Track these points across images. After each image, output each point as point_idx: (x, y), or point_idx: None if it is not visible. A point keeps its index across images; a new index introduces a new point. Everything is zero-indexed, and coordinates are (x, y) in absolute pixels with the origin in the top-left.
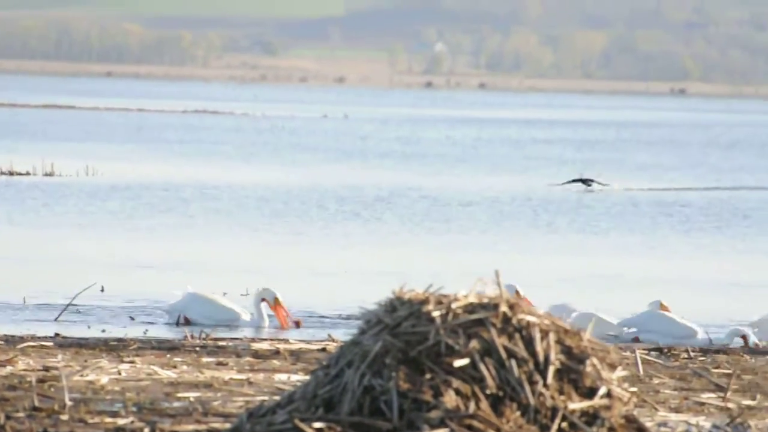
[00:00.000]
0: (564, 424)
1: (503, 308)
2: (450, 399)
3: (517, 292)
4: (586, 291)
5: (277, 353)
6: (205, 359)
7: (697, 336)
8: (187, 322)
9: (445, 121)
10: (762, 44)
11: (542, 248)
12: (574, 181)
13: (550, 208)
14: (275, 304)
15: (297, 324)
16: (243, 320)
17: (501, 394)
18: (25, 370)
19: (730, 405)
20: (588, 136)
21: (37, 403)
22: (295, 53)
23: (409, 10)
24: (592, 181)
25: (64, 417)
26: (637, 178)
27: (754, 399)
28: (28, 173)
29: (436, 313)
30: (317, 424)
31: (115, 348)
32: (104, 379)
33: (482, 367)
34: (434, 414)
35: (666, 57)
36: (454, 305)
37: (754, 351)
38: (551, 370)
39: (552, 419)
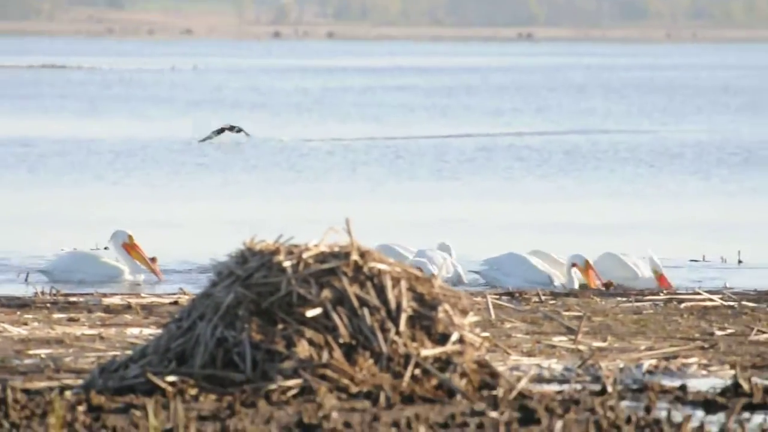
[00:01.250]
0: (417, 371)
1: (354, 257)
2: (303, 349)
3: (586, 262)
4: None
5: (128, 308)
6: (57, 315)
7: (553, 282)
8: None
9: (295, 71)
10: None
11: (398, 195)
12: (218, 132)
13: (405, 156)
14: (130, 243)
15: (153, 260)
16: (125, 276)
17: (354, 342)
18: None
19: (581, 347)
20: (437, 83)
21: None
22: (142, 6)
23: None
24: (237, 129)
25: None
26: (492, 123)
27: (604, 341)
28: None
29: (287, 264)
30: (170, 378)
31: None
32: None
33: (335, 317)
34: (287, 364)
35: (512, 2)
36: (305, 255)
37: (604, 293)
38: (403, 317)
39: (405, 366)
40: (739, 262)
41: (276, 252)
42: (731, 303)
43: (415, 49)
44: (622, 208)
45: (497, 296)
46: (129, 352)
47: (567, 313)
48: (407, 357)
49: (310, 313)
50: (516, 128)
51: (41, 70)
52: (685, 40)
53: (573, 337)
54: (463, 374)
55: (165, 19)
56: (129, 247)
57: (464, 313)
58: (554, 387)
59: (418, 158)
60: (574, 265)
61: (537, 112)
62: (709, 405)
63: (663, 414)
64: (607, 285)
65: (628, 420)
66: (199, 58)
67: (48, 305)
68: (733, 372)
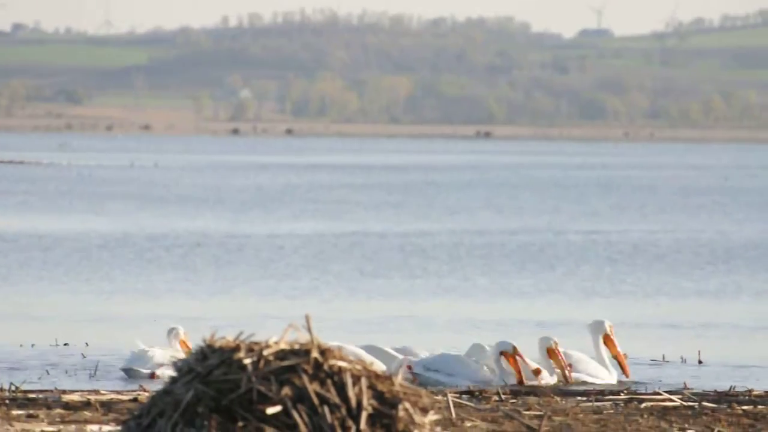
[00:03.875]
0: None
1: (314, 354)
2: None
3: (514, 348)
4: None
5: (88, 404)
6: (15, 412)
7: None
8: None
9: (254, 167)
10: (563, 86)
11: (356, 291)
12: None
13: (366, 253)
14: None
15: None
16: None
17: None
18: None
19: None
20: (395, 180)
21: None
22: (101, 102)
23: (214, 58)
24: None
25: None
26: (451, 221)
27: None
28: None
29: (247, 361)
30: None
31: None
32: None
33: (295, 414)
34: None
35: (471, 100)
36: (265, 352)
37: (564, 392)
38: (364, 415)
39: None
40: (699, 362)
41: (236, 349)
42: (691, 403)
43: (373, 146)
44: (581, 307)
45: (457, 395)
46: None
47: (528, 413)
48: None
49: (271, 410)
50: (476, 225)
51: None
52: (642, 139)
53: None
54: None
55: (124, 114)
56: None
57: (425, 411)
58: None
59: (376, 254)
60: (502, 353)
61: (496, 210)
62: None
63: None
64: (536, 372)
65: None
66: (158, 155)
67: (7, 402)
68: None
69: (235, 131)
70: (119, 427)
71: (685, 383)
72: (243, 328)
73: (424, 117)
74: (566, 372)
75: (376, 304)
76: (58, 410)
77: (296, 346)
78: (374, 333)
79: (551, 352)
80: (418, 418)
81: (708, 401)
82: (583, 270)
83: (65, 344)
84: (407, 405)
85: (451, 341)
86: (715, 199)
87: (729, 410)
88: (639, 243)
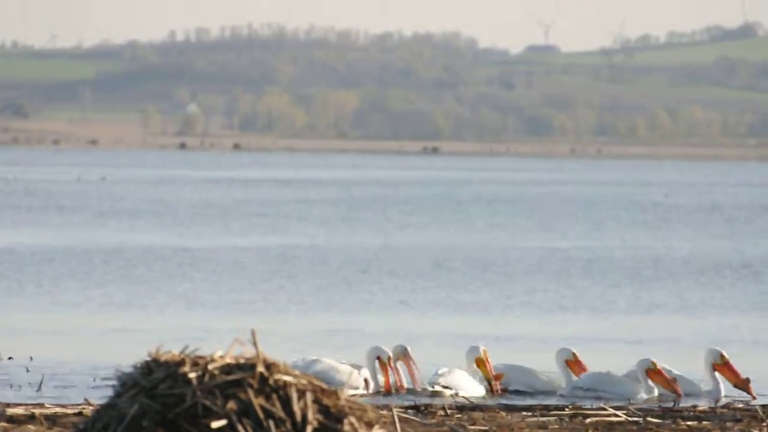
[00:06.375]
0: None
1: (260, 368)
2: None
3: (574, 354)
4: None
5: (32, 418)
6: None
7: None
8: None
9: (202, 182)
10: (511, 102)
11: (307, 305)
12: None
13: (314, 267)
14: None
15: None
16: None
17: None
18: None
19: None
20: (343, 195)
21: None
22: (47, 116)
23: (161, 73)
24: None
25: None
26: (399, 236)
27: None
28: None
29: (192, 375)
30: None
31: None
32: None
33: (240, 428)
34: None
35: (418, 116)
36: (210, 366)
37: (509, 407)
38: (309, 429)
39: None
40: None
41: (181, 363)
42: (636, 419)
43: (321, 161)
44: (523, 322)
45: (403, 409)
46: None
47: (473, 427)
48: None
49: (216, 424)
50: (424, 240)
51: None
52: (589, 155)
53: None
54: None
55: (70, 129)
56: (572, 364)
57: (370, 426)
58: None
59: (324, 269)
60: (646, 370)
61: (443, 225)
62: None
63: None
64: (498, 377)
65: None
66: (105, 169)
67: None
68: None
69: (183, 146)
70: None
71: (629, 399)
72: (189, 341)
73: (372, 132)
74: (493, 383)
75: (325, 318)
76: (2, 424)
77: (242, 361)
78: (323, 347)
79: (479, 362)
80: None
81: (653, 417)
82: (533, 283)
83: (9, 358)
84: (352, 419)
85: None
86: (654, 215)
87: (673, 425)
88: (587, 258)
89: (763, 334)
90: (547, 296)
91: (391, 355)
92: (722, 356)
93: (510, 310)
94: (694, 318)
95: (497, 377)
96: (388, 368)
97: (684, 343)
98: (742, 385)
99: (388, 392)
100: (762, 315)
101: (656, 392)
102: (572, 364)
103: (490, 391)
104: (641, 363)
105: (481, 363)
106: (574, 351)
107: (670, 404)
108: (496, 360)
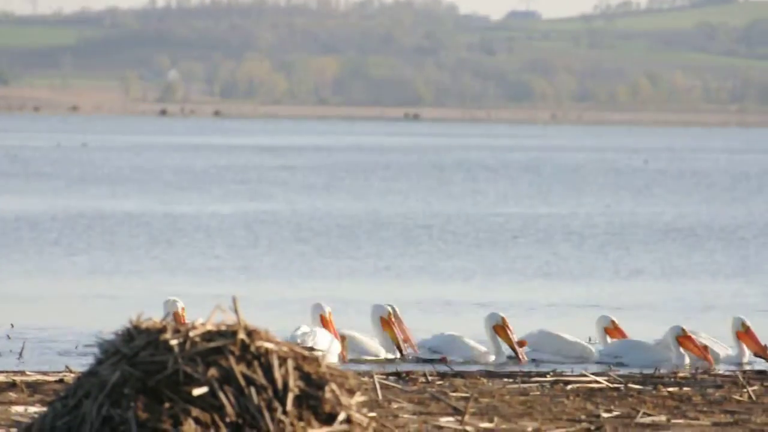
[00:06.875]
0: None
1: (241, 336)
2: (189, 428)
3: (612, 322)
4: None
5: (13, 385)
6: None
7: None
8: None
9: (183, 149)
10: (492, 69)
11: (288, 272)
12: None
13: (297, 233)
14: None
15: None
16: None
17: (241, 421)
18: None
19: (468, 428)
20: (325, 161)
21: None
22: (28, 82)
23: (142, 39)
24: None
25: None
26: (381, 202)
27: (491, 422)
28: None
29: (174, 342)
30: None
31: None
32: None
33: (221, 395)
34: None
35: (398, 82)
36: (192, 333)
37: (491, 373)
38: (290, 396)
39: None
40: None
41: (163, 330)
42: (617, 385)
43: (302, 127)
44: (505, 288)
45: (384, 376)
46: (13, 430)
47: (454, 394)
48: None
49: (197, 391)
50: (404, 207)
51: None
52: (570, 122)
53: (460, 418)
54: None
55: (51, 95)
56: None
57: (351, 392)
58: None
59: (306, 235)
60: (495, 327)
61: (425, 192)
62: None
63: None
64: (521, 343)
65: None
66: (85, 135)
67: None
68: None
69: (163, 112)
70: (45, 408)
71: (611, 365)
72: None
73: (353, 99)
74: (518, 350)
75: (307, 285)
76: None
77: (223, 328)
78: (301, 314)
79: (499, 330)
80: (344, 399)
81: (634, 383)
82: (515, 250)
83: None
84: (333, 386)
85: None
86: (634, 181)
87: (654, 392)
88: (570, 224)
89: (745, 298)
90: (530, 262)
91: (391, 311)
92: (743, 324)
93: (492, 277)
94: (676, 284)
95: (521, 344)
96: (393, 325)
97: (666, 308)
98: (762, 352)
99: (399, 350)
100: (744, 281)
101: (687, 360)
102: (611, 331)
103: (516, 359)
104: (672, 330)
105: (501, 330)
106: (613, 318)
107: (651, 371)
108: (478, 328)
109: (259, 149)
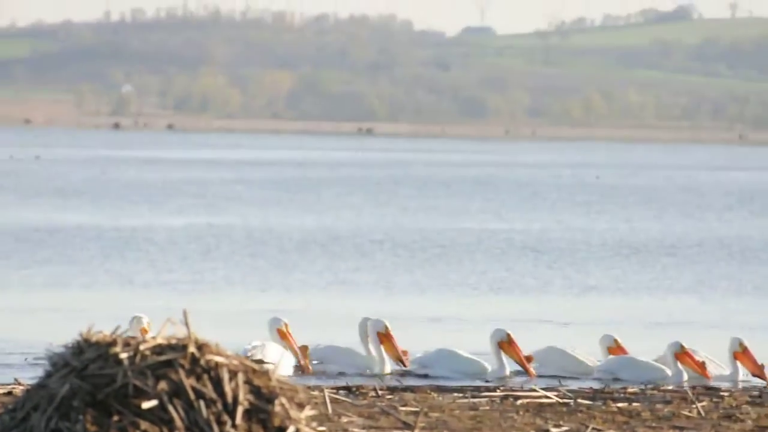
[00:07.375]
0: None
1: (191, 349)
2: None
3: (615, 341)
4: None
5: None
6: None
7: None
8: None
9: (136, 162)
10: (446, 84)
11: (239, 285)
12: None
13: (249, 247)
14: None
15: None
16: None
17: None
18: None
19: None
20: (277, 175)
21: None
22: None
23: (96, 52)
24: None
25: None
26: (333, 217)
27: None
28: None
29: (123, 355)
30: None
31: None
32: None
33: (171, 409)
34: None
35: (353, 97)
36: (142, 347)
37: (441, 388)
38: (240, 410)
39: None
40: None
41: (113, 343)
42: (567, 400)
43: (256, 142)
44: (458, 303)
45: (334, 390)
46: None
47: (404, 408)
48: None
49: (146, 404)
50: (358, 222)
51: None
52: (524, 137)
53: None
54: None
55: (4, 108)
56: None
57: (301, 406)
58: None
59: (258, 249)
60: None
61: (378, 206)
62: None
63: None
64: (528, 359)
65: None
66: (38, 148)
67: None
68: None
69: (117, 125)
70: None
71: (560, 380)
72: (122, 321)
73: (307, 113)
74: (526, 366)
75: (260, 299)
76: None
77: (173, 341)
78: (257, 327)
79: (504, 346)
80: (294, 413)
81: (583, 398)
82: (469, 265)
83: None
84: (283, 400)
85: (333, 335)
86: (586, 197)
87: (604, 407)
88: (527, 239)
89: (695, 314)
90: (484, 277)
91: (387, 326)
92: (741, 344)
93: (446, 291)
94: (628, 299)
95: (528, 359)
96: (387, 340)
97: (619, 323)
98: (759, 372)
99: (399, 362)
100: (693, 296)
101: (685, 376)
102: (614, 350)
103: (526, 373)
104: (671, 346)
105: (506, 346)
106: (616, 337)
107: (601, 386)
108: (432, 343)
109: (213, 163)
